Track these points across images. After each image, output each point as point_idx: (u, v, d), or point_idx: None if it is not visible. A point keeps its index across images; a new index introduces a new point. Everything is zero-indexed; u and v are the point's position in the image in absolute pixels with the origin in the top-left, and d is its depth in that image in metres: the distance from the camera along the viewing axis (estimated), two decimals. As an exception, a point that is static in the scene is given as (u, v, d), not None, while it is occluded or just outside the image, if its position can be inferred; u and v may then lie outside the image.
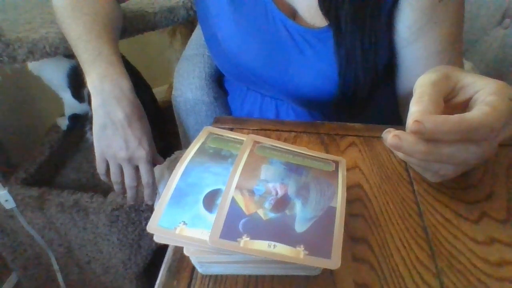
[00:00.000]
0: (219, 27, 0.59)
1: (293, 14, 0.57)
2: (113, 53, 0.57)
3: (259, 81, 0.61)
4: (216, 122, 0.52)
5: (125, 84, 0.55)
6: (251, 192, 0.33)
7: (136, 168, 0.59)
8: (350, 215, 0.38)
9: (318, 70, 0.56)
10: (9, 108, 1.14)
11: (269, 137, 0.45)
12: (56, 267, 0.98)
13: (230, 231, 0.30)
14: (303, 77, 0.57)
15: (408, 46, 0.54)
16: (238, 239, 0.29)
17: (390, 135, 0.34)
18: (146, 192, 0.62)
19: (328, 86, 0.56)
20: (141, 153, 0.57)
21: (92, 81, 0.55)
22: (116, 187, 0.62)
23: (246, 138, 0.39)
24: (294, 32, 0.55)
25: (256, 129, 0.50)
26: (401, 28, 0.53)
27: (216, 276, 0.33)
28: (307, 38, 0.55)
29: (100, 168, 0.60)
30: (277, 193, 0.33)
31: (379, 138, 0.46)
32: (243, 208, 0.32)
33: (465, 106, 0.37)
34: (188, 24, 1.13)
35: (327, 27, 0.54)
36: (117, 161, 0.58)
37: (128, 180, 0.60)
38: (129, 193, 0.62)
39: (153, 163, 0.60)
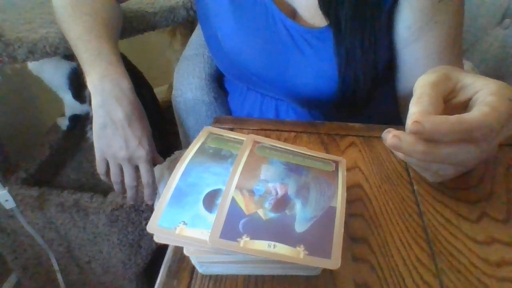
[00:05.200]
0: (219, 27, 0.59)
1: (293, 13, 0.57)
2: (113, 53, 0.57)
3: (259, 81, 0.61)
4: (216, 122, 0.52)
5: (125, 83, 0.55)
6: (251, 192, 0.33)
7: (136, 168, 0.59)
8: (350, 215, 0.38)
9: (318, 70, 0.56)
10: (9, 108, 1.13)
11: (269, 137, 0.45)
12: (56, 267, 0.98)
13: (230, 231, 0.30)
14: (303, 77, 0.57)
15: (408, 46, 0.54)
16: (238, 239, 0.29)
17: (389, 135, 0.34)
18: (146, 192, 0.62)
19: (328, 86, 0.56)
20: (141, 152, 0.57)
21: (92, 81, 0.55)
22: (116, 187, 0.62)
23: (246, 138, 0.39)
24: (294, 32, 0.55)
25: (256, 129, 0.50)
26: (401, 28, 0.53)
27: (216, 276, 0.33)
28: (307, 38, 0.55)
29: (100, 168, 0.60)
30: (277, 193, 0.33)
31: (379, 138, 0.46)
32: (243, 208, 0.32)
33: (465, 106, 0.37)
34: (188, 24, 1.12)
35: (327, 27, 0.54)
36: (117, 161, 0.58)
37: (128, 180, 0.60)
38: (129, 193, 0.62)
39: (153, 163, 0.60)
